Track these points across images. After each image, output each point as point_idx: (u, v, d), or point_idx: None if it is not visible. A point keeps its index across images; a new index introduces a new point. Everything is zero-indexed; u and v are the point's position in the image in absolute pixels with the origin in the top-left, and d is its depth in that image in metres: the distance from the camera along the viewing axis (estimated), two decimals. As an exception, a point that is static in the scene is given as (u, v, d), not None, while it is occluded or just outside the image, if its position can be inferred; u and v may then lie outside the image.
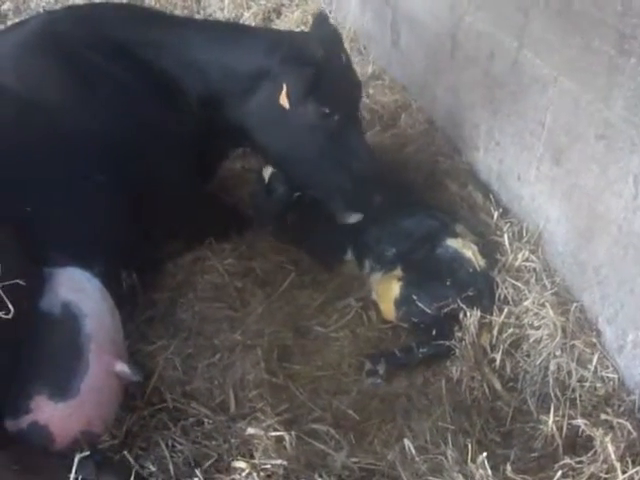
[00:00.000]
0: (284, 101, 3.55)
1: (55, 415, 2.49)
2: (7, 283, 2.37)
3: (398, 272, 3.50)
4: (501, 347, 3.27)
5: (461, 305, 3.29)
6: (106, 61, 3.48)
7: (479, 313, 3.27)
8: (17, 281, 2.41)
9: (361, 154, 3.74)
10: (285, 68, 3.54)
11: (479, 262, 3.47)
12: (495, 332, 3.31)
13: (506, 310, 3.37)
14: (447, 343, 3.24)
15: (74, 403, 2.52)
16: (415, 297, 3.36)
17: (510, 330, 3.31)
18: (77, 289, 2.78)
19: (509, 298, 3.45)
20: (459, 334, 3.25)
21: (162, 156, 3.57)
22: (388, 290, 3.47)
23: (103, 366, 2.64)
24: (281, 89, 3.54)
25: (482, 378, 3.16)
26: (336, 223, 3.83)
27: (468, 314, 3.27)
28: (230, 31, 3.92)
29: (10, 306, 2.35)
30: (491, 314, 3.35)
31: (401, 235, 3.65)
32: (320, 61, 3.51)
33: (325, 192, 3.79)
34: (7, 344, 2.49)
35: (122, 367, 2.70)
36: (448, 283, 3.38)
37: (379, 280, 3.60)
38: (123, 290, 3.22)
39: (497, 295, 3.45)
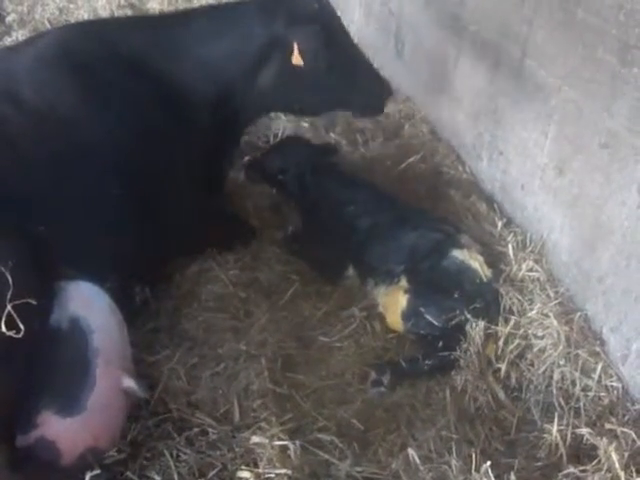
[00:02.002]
0: (297, 60, 3.68)
1: (62, 430, 2.48)
2: (19, 302, 2.38)
3: (404, 283, 3.47)
4: (507, 358, 3.27)
5: (468, 317, 3.28)
6: (118, 74, 3.51)
7: (484, 324, 3.26)
8: (28, 300, 2.41)
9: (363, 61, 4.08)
10: (294, 30, 3.65)
11: (485, 273, 3.44)
12: (501, 343, 3.31)
13: (512, 321, 3.36)
14: (453, 355, 3.23)
15: (81, 418, 2.50)
16: (423, 310, 3.34)
17: (516, 342, 3.31)
18: (86, 304, 2.78)
19: (514, 309, 3.44)
20: (465, 345, 3.24)
21: (171, 168, 3.57)
22: (395, 302, 3.44)
23: (110, 382, 2.63)
24: (292, 50, 3.67)
25: (487, 388, 3.16)
26: (337, 239, 3.84)
27: (474, 325, 3.26)
28: (224, 13, 3.89)
29: (21, 325, 2.36)
30: (496, 325, 3.33)
31: (406, 251, 3.59)
32: (319, 15, 3.71)
33: (345, 105, 4.15)
34: (17, 362, 2.49)
35: (129, 383, 2.69)
36: (456, 295, 3.35)
37: (384, 292, 3.57)
38: (135, 304, 3.24)
39: (502, 305, 3.43)
